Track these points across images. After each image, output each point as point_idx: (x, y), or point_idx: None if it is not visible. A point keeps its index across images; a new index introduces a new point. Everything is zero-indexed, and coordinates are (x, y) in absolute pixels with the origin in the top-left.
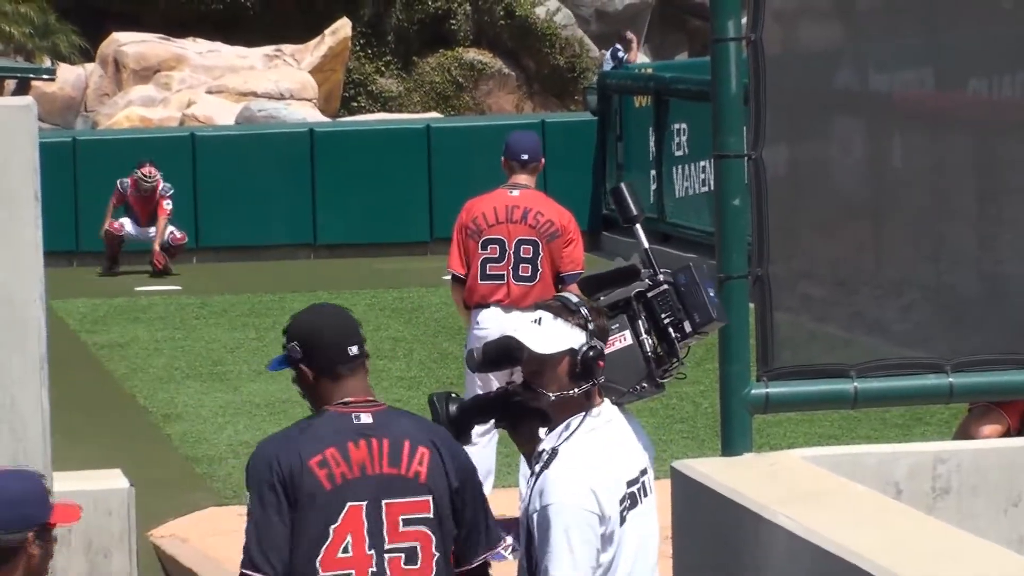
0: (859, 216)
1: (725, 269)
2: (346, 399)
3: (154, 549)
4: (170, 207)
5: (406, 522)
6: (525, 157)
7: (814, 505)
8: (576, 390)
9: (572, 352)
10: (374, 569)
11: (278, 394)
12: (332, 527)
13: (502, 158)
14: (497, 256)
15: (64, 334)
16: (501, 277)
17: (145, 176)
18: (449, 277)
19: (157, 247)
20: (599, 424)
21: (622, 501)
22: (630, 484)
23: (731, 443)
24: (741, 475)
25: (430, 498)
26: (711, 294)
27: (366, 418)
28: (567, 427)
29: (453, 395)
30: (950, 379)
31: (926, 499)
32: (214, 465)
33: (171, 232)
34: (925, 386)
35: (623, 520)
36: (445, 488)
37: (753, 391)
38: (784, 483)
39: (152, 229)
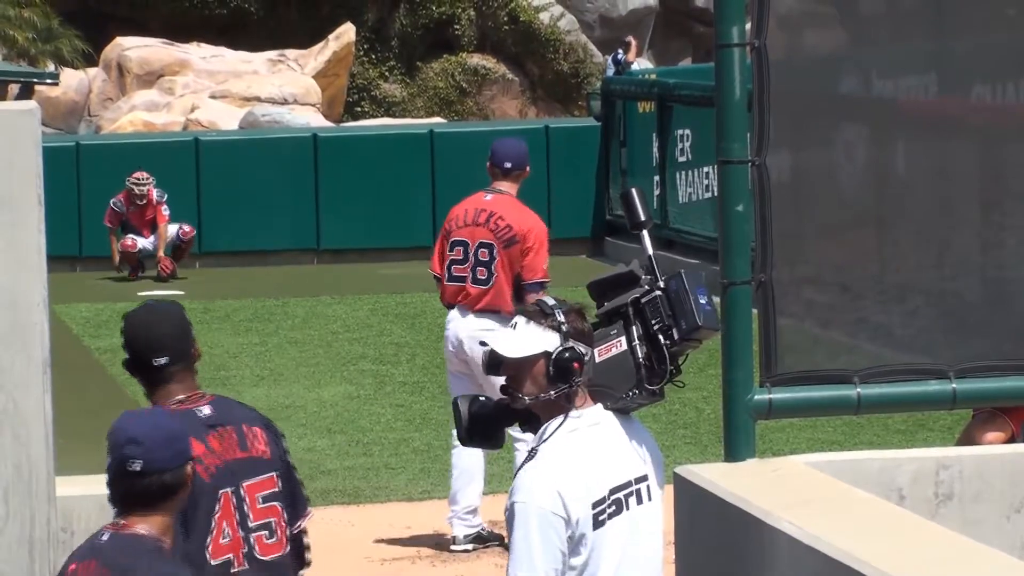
0: (863, 222)
1: (728, 275)
2: (179, 397)
3: None
4: (168, 212)
5: (263, 499)
6: (508, 165)
7: (817, 511)
8: (553, 392)
9: (547, 355)
10: (245, 549)
11: (281, 399)
12: (214, 516)
13: (487, 163)
14: (461, 258)
15: (67, 338)
16: (463, 279)
17: (137, 181)
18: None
19: (162, 253)
20: (581, 426)
21: (598, 505)
22: (616, 490)
23: (734, 449)
24: (744, 481)
25: (276, 474)
26: (702, 301)
27: (207, 410)
28: (547, 429)
29: (482, 398)
30: (953, 385)
31: (929, 505)
32: None
33: (179, 227)
34: (928, 392)
35: (599, 524)
36: (281, 462)
37: (756, 397)
38: (787, 489)
39: (154, 239)
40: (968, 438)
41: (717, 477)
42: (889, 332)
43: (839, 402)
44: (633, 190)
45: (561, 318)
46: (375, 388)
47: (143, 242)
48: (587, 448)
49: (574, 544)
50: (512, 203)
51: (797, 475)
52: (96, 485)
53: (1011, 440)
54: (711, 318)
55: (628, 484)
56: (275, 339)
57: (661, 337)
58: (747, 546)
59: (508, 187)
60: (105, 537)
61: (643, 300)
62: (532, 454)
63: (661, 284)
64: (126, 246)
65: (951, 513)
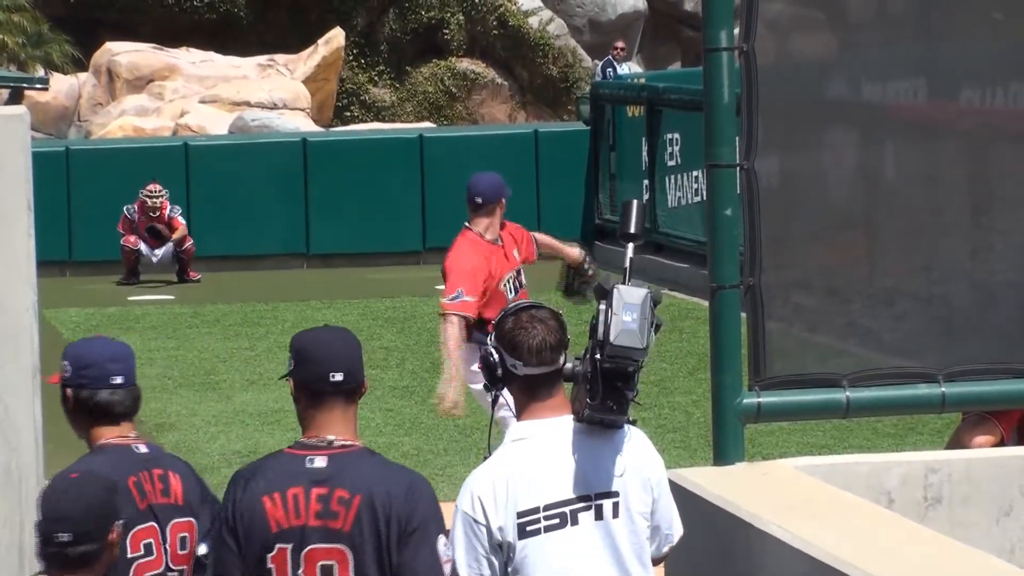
0: (851, 226)
1: (717, 279)
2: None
3: None
4: (184, 221)
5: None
6: (479, 200)
7: (806, 514)
8: (490, 394)
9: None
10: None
11: (270, 404)
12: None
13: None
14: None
15: (57, 343)
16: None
17: (151, 193)
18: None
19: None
20: (530, 434)
21: (525, 515)
22: (562, 504)
23: (723, 452)
24: (733, 484)
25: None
26: (625, 319)
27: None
28: (506, 434)
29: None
30: (942, 389)
31: (918, 508)
32: (207, 474)
33: (184, 237)
34: (917, 396)
35: (526, 535)
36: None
37: (745, 400)
38: (776, 492)
39: (160, 250)
40: (957, 442)
41: (706, 481)
42: (878, 336)
43: (828, 406)
44: (635, 202)
45: (500, 317)
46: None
47: (145, 249)
48: (527, 458)
49: (496, 551)
50: (507, 225)
51: (786, 479)
52: None
53: (1000, 443)
54: (630, 337)
55: (580, 499)
56: (265, 343)
57: (596, 353)
58: (736, 549)
59: (493, 220)
60: None
61: (595, 316)
62: (485, 459)
63: (604, 301)
64: (129, 242)
65: (940, 516)
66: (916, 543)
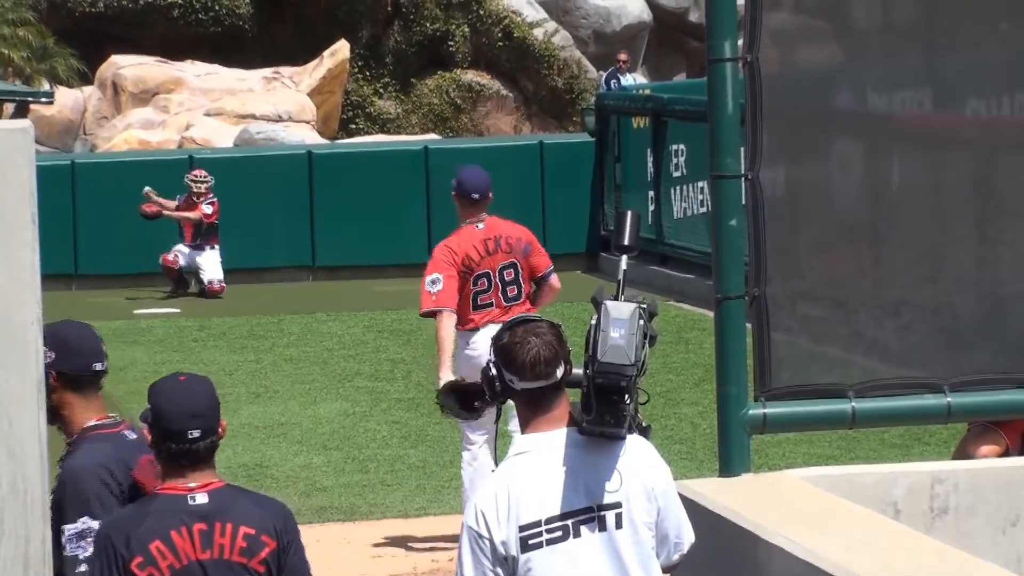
0: (856, 236)
1: (722, 289)
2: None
3: None
4: (210, 210)
5: None
6: (477, 197)
7: (812, 525)
8: (489, 406)
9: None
10: None
11: (277, 416)
12: None
13: (453, 192)
14: (485, 288)
15: None
16: (491, 304)
17: (194, 178)
18: (435, 311)
19: (172, 214)
20: (532, 448)
21: (527, 528)
22: (564, 516)
23: (729, 463)
24: (739, 495)
25: None
26: (613, 335)
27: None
28: (509, 448)
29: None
30: (948, 399)
31: (924, 519)
32: None
33: (210, 281)
34: (923, 406)
35: (529, 548)
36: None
37: (751, 411)
38: (782, 503)
39: (199, 255)
40: (963, 452)
41: (712, 492)
42: (884, 346)
43: (834, 416)
44: (629, 213)
45: (498, 332)
46: (371, 405)
47: (184, 261)
48: (529, 471)
49: (501, 563)
50: (500, 220)
51: (792, 489)
52: None
53: (1006, 453)
54: (617, 353)
55: (583, 511)
56: (271, 356)
57: (588, 368)
58: (742, 561)
59: (483, 213)
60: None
61: (588, 329)
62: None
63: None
64: (168, 261)
65: (946, 527)
66: (922, 554)
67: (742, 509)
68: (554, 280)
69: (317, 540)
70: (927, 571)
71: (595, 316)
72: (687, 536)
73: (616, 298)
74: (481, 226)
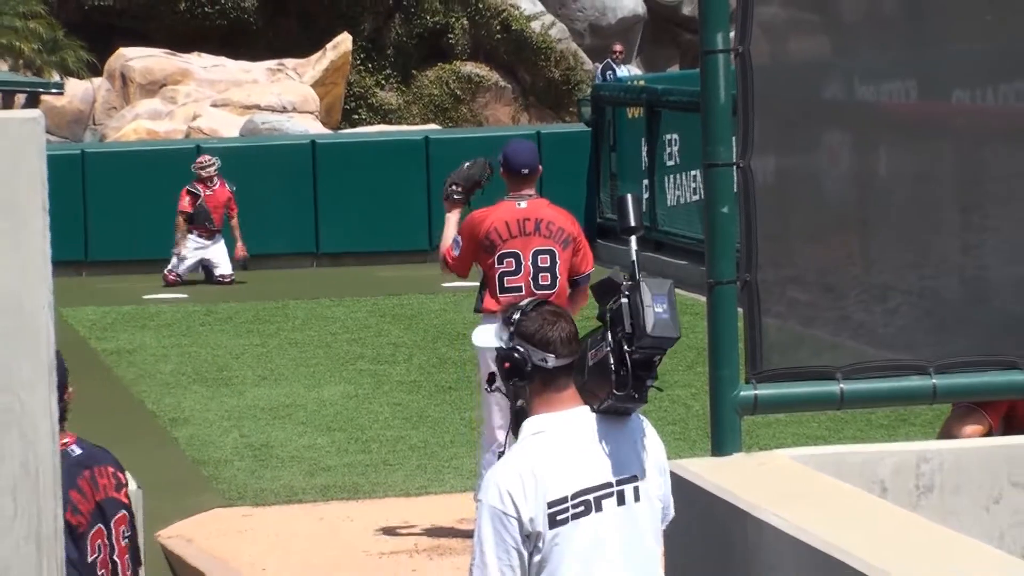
0: (845, 223)
1: (714, 275)
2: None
3: (161, 549)
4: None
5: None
6: (526, 172)
7: (802, 503)
8: (503, 388)
9: (498, 351)
10: None
11: (282, 398)
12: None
13: (500, 168)
14: (513, 269)
15: (74, 341)
16: (519, 289)
17: (200, 164)
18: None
19: (239, 244)
20: (549, 427)
21: (555, 504)
22: (586, 492)
23: (721, 444)
24: (731, 475)
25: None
26: (658, 310)
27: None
28: (522, 429)
29: None
30: (933, 380)
31: (910, 497)
32: (220, 468)
33: (222, 275)
34: (909, 387)
35: (556, 524)
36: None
37: (742, 393)
38: (773, 482)
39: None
40: (948, 432)
41: (704, 471)
42: (871, 330)
43: (823, 397)
44: (629, 196)
45: (515, 317)
46: (373, 387)
47: (189, 262)
48: (549, 449)
49: (529, 542)
50: (548, 205)
51: (782, 469)
52: None
53: (989, 433)
54: (665, 327)
55: (603, 486)
56: (276, 340)
57: (625, 345)
58: (734, 538)
59: (530, 189)
60: None
61: (613, 308)
62: (502, 455)
63: (626, 293)
64: (169, 279)
65: (932, 504)
66: (908, 530)
67: (734, 488)
68: (584, 290)
69: (321, 518)
70: (913, 547)
71: (622, 296)
72: (672, 507)
73: (633, 278)
74: (523, 204)
